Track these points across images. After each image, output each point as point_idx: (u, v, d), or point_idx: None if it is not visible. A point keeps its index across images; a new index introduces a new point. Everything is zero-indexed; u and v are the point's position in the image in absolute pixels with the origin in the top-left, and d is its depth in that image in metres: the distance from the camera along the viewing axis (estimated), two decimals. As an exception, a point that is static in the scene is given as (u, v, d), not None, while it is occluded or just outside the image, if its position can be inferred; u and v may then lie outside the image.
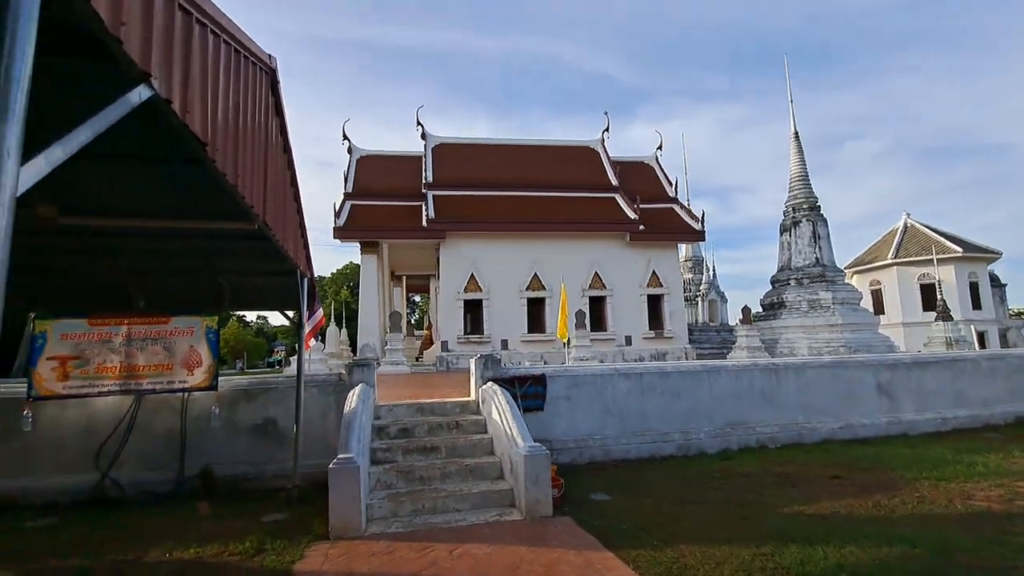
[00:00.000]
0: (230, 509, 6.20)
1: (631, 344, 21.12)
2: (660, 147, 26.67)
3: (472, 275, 20.61)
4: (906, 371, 10.32)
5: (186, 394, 7.11)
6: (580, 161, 25.21)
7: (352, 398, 7.06)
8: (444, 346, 20.33)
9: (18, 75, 1.34)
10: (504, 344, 20.43)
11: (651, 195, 23.73)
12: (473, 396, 8.17)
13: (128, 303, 6.91)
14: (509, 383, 8.11)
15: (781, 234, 21.67)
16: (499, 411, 6.92)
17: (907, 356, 11.24)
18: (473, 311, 20.98)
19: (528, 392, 8.19)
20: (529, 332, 20.74)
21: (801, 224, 20.83)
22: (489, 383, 8.01)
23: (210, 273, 6.44)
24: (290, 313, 7.52)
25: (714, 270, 29.87)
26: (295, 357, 10.07)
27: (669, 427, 8.66)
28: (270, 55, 4.42)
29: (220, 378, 7.14)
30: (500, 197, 22.40)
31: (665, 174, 25.64)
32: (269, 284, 6.93)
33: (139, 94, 2.05)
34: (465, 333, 20.58)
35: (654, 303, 21.86)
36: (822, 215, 21.02)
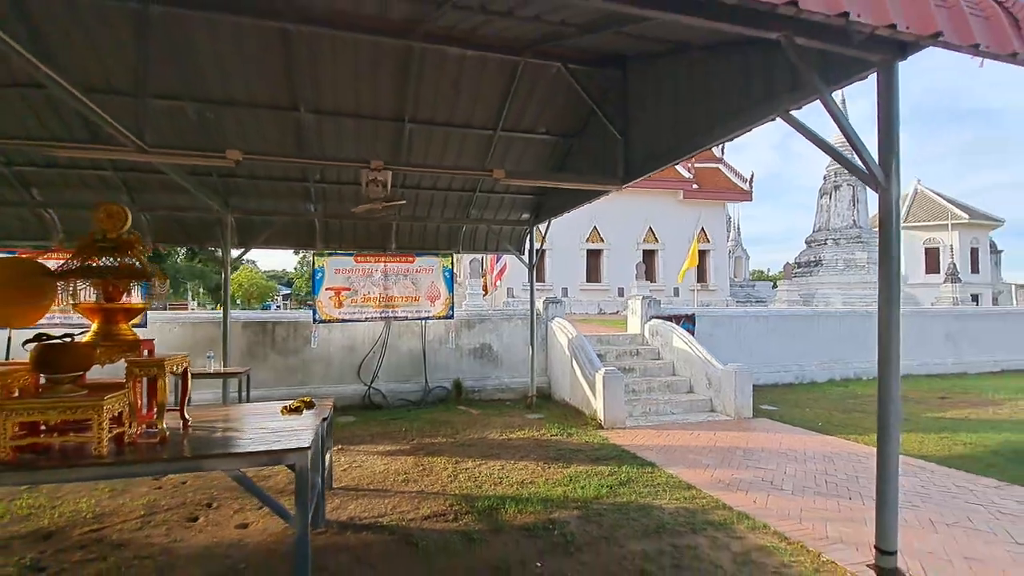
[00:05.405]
0: (489, 412, 7.82)
1: (679, 295, 22.95)
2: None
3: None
4: (968, 321, 12.28)
5: (424, 321, 8.58)
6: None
7: (564, 327, 8.64)
8: (510, 292, 21.87)
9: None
10: (564, 292, 22.03)
11: (698, 156, 24.96)
12: (638, 330, 9.81)
13: (383, 245, 8.24)
14: (667, 319, 9.73)
15: (820, 197, 23.30)
16: (685, 341, 8.57)
17: (970, 309, 13.20)
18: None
19: (683, 328, 9.84)
20: (587, 281, 22.34)
21: (842, 188, 22.46)
22: (653, 319, 9.64)
23: (463, 221, 7.79)
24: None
25: (739, 228, 31.65)
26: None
27: (787, 360, 10.49)
28: None
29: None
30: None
31: (709, 135, 26.77)
32: (503, 231, 8.34)
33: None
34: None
35: (701, 258, 23.57)
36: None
